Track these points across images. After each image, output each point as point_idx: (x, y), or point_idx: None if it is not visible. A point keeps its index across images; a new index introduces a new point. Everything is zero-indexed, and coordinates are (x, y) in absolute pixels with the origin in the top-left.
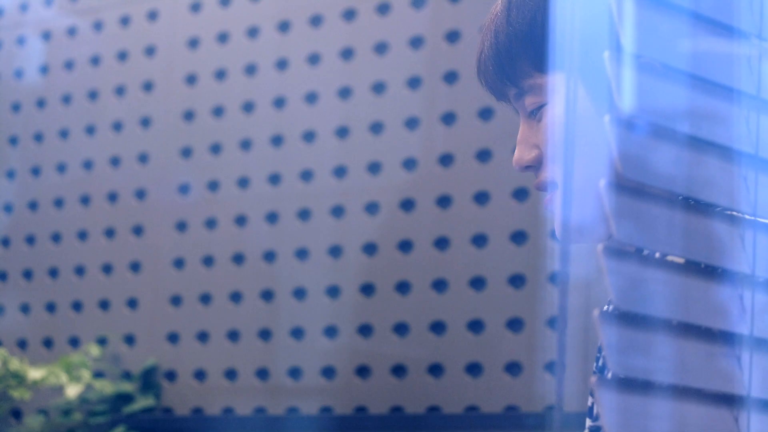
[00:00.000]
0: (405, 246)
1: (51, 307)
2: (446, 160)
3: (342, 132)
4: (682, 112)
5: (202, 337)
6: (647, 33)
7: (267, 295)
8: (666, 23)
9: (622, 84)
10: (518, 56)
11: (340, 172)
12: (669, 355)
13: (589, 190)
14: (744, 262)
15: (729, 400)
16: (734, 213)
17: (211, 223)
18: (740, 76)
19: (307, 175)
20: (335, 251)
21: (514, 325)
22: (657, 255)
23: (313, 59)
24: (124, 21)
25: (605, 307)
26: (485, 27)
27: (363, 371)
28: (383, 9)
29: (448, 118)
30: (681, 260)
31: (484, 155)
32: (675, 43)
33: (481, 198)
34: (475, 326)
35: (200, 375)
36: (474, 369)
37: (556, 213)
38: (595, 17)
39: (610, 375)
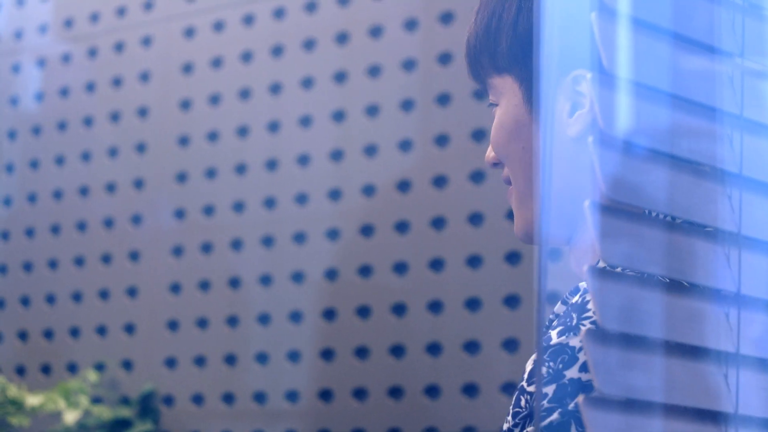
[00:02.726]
0: (400, 268)
1: (48, 334)
2: (440, 181)
3: (336, 155)
4: (665, 132)
5: (200, 361)
6: (629, 54)
7: (263, 319)
8: (648, 44)
9: (604, 105)
10: (480, 54)
11: (335, 195)
12: (655, 373)
13: (536, 195)
14: (729, 280)
15: (716, 418)
16: (719, 232)
17: (206, 248)
18: (723, 96)
19: (302, 199)
20: (331, 274)
21: (510, 345)
22: (642, 274)
23: (307, 83)
24: (119, 47)
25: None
26: (480, 4)
27: (360, 394)
28: (376, 32)
29: (442, 140)
30: (666, 279)
31: (477, 176)
32: (657, 63)
33: (475, 219)
34: (471, 347)
35: (198, 399)
36: (470, 390)
37: (515, 210)
38: (539, 21)
39: (596, 394)
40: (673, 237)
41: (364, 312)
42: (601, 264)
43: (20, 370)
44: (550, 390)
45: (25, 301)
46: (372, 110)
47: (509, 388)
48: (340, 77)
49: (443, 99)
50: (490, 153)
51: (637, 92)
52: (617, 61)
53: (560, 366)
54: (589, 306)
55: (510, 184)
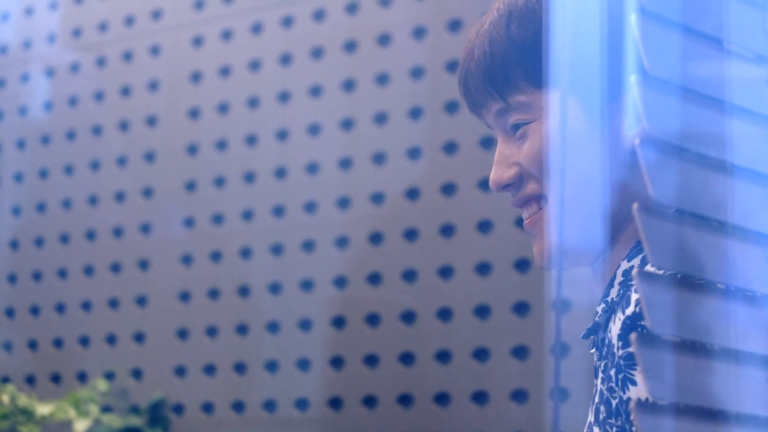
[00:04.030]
0: (409, 275)
1: (58, 343)
2: (449, 188)
3: (345, 163)
4: (705, 134)
5: (209, 369)
6: (669, 57)
7: (273, 327)
8: (688, 47)
9: (648, 107)
10: (513, 69)
11: (343, 203)
12: (706, 377)
13: (580, 210)
14: None
15: (760, 423)
16: (762, 235)
17: (216, 256)
18: (755, 98)
19: (310, 207)
20: (340, 282)
21: (519, 352)
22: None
23: (315, 91)
24: (127, 56)
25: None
26: (476, 36)
27: (369, 401)
28: (384, 40)
29: (450, 147)
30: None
31: (486, 184)
32: (699, 66)
33: (484, 226)
34: (480, 354)
35: (208, 407)
36: (480, 397)
37: (547, 232)
38: (590, 35)
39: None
40: (720, 241)
41: (373, 320)
42: (650, 268)
43: (30, 380)
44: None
45: (34, 311)
46: (380, 118)
47: (519, 395)
48: (349, 85)
49: (452, 107)
50: (502, 176)
51: (679, 95)
52: (659, 63)
53: None
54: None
55: (524, 206)
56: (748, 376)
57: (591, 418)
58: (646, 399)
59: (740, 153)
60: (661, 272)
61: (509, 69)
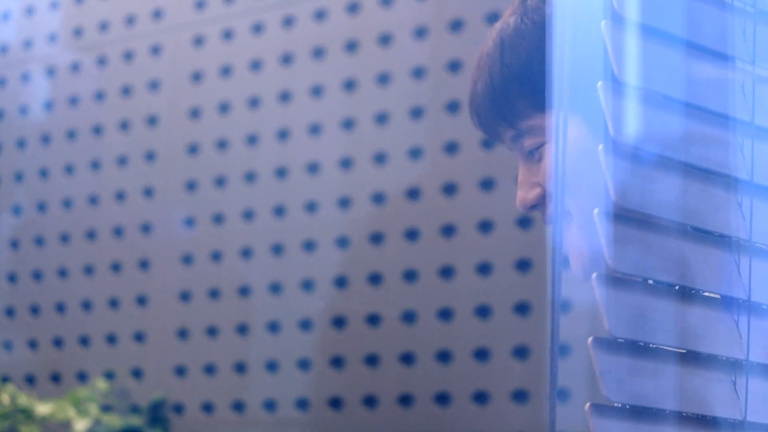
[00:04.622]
0: (410, 276)
1: (58, 342)
2: (450, 189)
3: (346, 163)
4: (676, 140)
5: (210, 369)
6: (640, 62)
7: (273, 327)
8: (659, 52)
9: (615, 113)
10: (515, 97)
11: (344, 203)
12: (664, 380)
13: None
14: (739, 287)
15: (725, 426)
16: (730, 239)
17: (216, 256)
18: (734, 103)
19: (311, 207)
20: (341, 282)
21: (521, 353)
22: (651, 282)
23: (316, 91)
24: (128, 56)
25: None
26: (476, 67)
27: (369, 401)
28: (385, 40)
29: (452, 147)
30: (676, 286)
31: (487, 184)
32: (668, 71)
33: (485, 226)
34: (481, 355)
35: (208, 407)
36: (481, 398)
37: (572, 245)
38: (591, 51)
39: (605, 402)
40: (683, 244)
41: (374, 320)
42: (610, 272)
43: (30, 379)
44: None
45: (34, 310)
46: (381, 118)
47: (520, 396)
48: (350, 85)
49: (453, 107)
50: (527, 197)
51: (648, 100)
52: (628, 69)
53: None
54: None
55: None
56: (707, 378)
57: None
58: (603, 402)
59: (712, 158)
60: (620, 275)
61: (511, 98)
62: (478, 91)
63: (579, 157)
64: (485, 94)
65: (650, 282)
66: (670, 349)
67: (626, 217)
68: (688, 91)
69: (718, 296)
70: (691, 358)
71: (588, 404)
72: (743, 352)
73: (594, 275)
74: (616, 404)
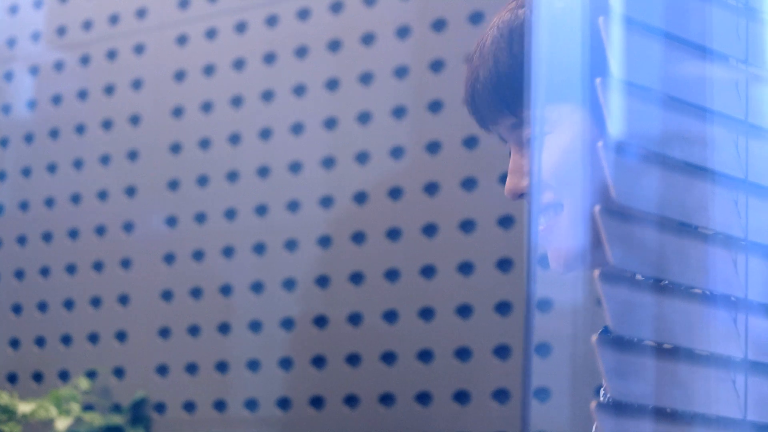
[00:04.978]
0: (392, 275)
1: (40, 341)
2: (432, 188)
3: (328, 162)
4: (672, 137)
5: (191, 368)
6: (637, 59)
7: (255, 326)
8: (655, 49)
9: (614, 110)
10: (521, 86)
11: (326, 202)
12: (665, 378)
13: (587, 216)
14: (737, 285)
15: (724, 424)
16: (727, 237)
17: (198, 255)
18: (728, 101)
19: (293, 206)
20: (323, 281)
21: (501, 352)
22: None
23: (299, 90)
24: (111, 55)
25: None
26: (480, 53)
27: (351, 400)
28: (368, 39)
29: (434, 147)
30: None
31: (469, 183)
32: (665, 69)
33: (467, 226)
34: (462, 354)
35: (190, 406)
36: (462, 397)
37: (565, 238)
38: (595, 46)
39: (608, 400)
40: (680, 242)
41: (355, 319)
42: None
43: (12, 378)
44: None
45: (16, 309)
46: (364, 117)
47: (501, 395)
48: (332, 84)
49: (435, 106)
50: (518, 184)
51: (645, 97)
52: (626, 66)
53: None
54: None
55: (541, 213)
56: (711, 377)
57: None
58: (608, 400)
59: (708, 156)
60: (624, 274)
61: (517, 86)
62: (480, 78)
63: (574, 152)
64: (488, 82)
65: (649, 280)
66: (670, 347)
67: (625, 214)
68: (683, 89)
69: (715, 294)
70: (691, 356)
71: (594, 402)
72: (741, 350)
73: (596, 273)
74: (621, 402)
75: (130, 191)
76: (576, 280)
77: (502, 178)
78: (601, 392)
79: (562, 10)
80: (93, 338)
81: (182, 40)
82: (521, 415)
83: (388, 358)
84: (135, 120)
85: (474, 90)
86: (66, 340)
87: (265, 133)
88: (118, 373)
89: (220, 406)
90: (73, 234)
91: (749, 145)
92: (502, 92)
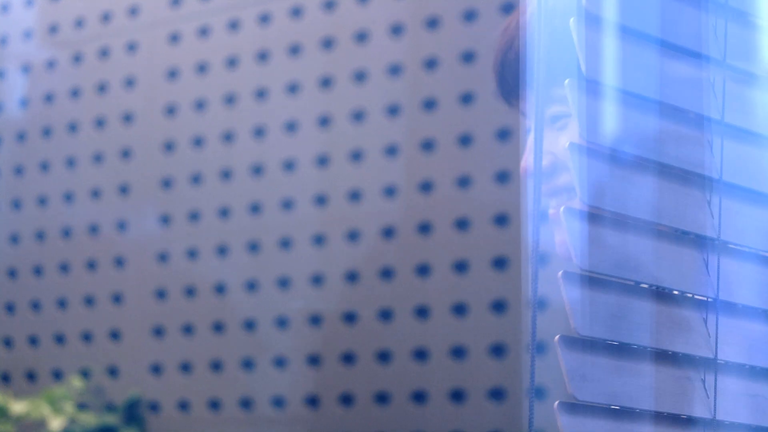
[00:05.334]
0: (387, 273)
1: (33, 341)
2: (426, 186)
3: (322, 160)
4: (646, 138)
5: (185, 368)
6: (611, 60)
7: (249, 325)
8: (630, 49)
9: (584, 112)
10: (554, 64)
11: (320, 200)
12: (632, 378)
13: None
14: (708, 285)
15: (693, 424)
16: (699, 237)
17: (192, 254)
18: (705, 102)
19: (287, 204)
20: (317, 280)
21: (497, 351)
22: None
23: (293, 88)
24: (104, 53)
25: None
26: (512, 30)
27: (346, 400)
28: (361, 37)
29: (428, 145)
30: (645, 285)
31: (464, 181)
32: (639, 69)
33: (462, 224)
34: (458, 353)
35: (184, 406)
36: (457, 396)
37: (568, 223)
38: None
39: (571, 400)
40: (651, 243)
41: (350, 318)
42: (578, 270)
43: (5, 377)
44: None
45: (9, 308)
46: (358, 115)
47: (496, 394)
48: (326, 83)
49: (429, 104)
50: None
51: (617, 98)
52: (598, 67)
53: None
54: None
55: (554, 195)
56: (679, 377)
57: None
58: (570, 400)
59: (681, 156)
60: (588, 274)
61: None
62: (513, 48)
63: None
64: (521, 53)
65: (619, 280)
66: (638, 347)
67: (595, 215)
68: (658, 89)
69: (687, 295)
70: (659, 356)
71: (557, 402)
72: (712, 351)
73: (560, 273)
74: (584, 402)
75: (123, 190)
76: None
77: (498, 176)
78: None
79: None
80: (86, 337)
81: (175, 38)
82: (528, 415)
83: (384, 357)
84: (128, 118)
85: (505, 59)
86: (59, 339)
87: (259, 132)
88: (112, 372)
89: (214, 405)
90: (66, 233)
91: (725, 146)
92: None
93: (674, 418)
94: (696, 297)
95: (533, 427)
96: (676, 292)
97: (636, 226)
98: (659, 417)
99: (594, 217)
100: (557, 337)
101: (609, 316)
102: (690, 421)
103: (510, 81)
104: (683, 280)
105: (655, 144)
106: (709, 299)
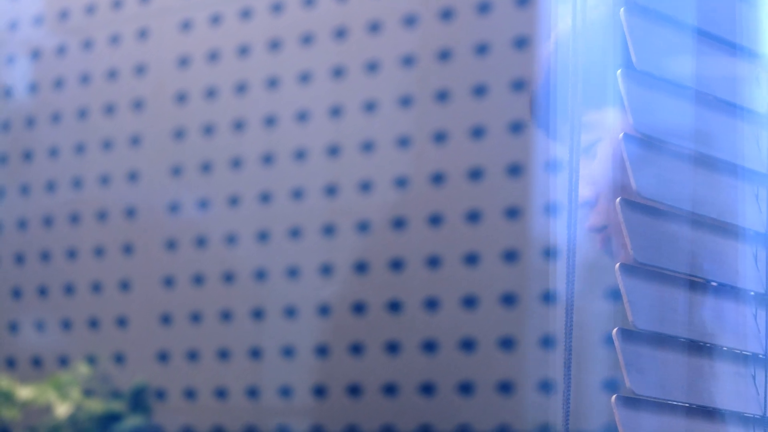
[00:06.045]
0: (397, 265)
1: (40, 326)
2: (438, 178)
3: (333, 151)
4: (693, 130)
5: (192, 356)
6: (661, 52)
7: (257, 314)
8: (677, 41)
9: (634, 102)
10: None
11: (331, 191)
12: (684, 373)
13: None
14: (757, 280)
15: (743, 420)
16: (747, 232)
17: (201, 242)
18: (751, 95)
19: (297, 194)
20: (326, 270)
21: (507, 344)
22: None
23: (304, 78)
24: (114, 40)
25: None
26: (540, 63)
27: (354, 390)
28: (374, 28)
29: (440, 137)
30: (697, 279)
31: (476, 174)
32: (686, 60)
33: (474, 216)
34: (467, 345)
35: (190, 394)
36: (466, 388)
37: (624, 215)
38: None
39: (628, 393)
40: (702, 236)
41: (359, 308)
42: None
43: (10, 362)
44: None
45: (16, 293)
46: (370, 106)
47: (505, 387)
48: (338, 72)
49: (442, 96)
50: (584, 192)
51: (666, 89)
52: (648, 57)
53: None
54: None
55: (598, 231)
56: (730, 373)
57: None
58: (627, 394)
59: (727, 148)
60: (645, 267)
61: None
62: (538, 87)
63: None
64: (543, 90)
65: (673, 274)
66: (690, 341)
67: (648, 207)
68: (705, 82)
69: (736, 289)
70: (711, 351)
71: (614, 396)
72: (762, 346)
73: (617, 266)
74: (640, 396)
75: (133, 177)
76: (582, 273)
77: (510, 169)
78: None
79: (594, 19)
80: (93, 324)
81: (186, 25)
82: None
83: (392, 348)
84: (138, 105)
85: (534, 99)
86: (66, 325)
87: (270, 121)
88: (119, 359)
89: (221, 393)
90: (74, 219)
91: None
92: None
93: (725, 414)
94: (745, 291)
95: (568, 425)
96: (725, 286)
97: (688, 218)
98: (711, 412)
99: (648, 209)
100: (615, 329)
101: (664, 309)
102: (740, 417)
103: (545, 114)
104: (732, 274)
105: (702, 136)
106: (759, 294)
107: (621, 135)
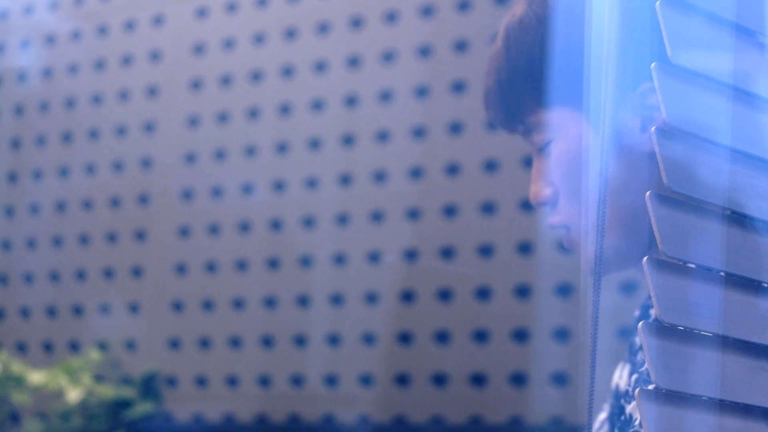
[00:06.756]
0: (410, 255)
1: (51, 311)
2: (453, 169)
3: (348, 140)
4: (726, 124)
5: (204, 343)
6: (693, 44)
7: (269, 302)
8: (711, 35)
9: (668, 96)
10: (520, 92)
11: (345, 180)
12: (712, 368)
13: (616, 218)
14: None
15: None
16: None
17: (214, 230)
18: None
19: (311, 183)
20: (339, 259)
21: (520, 336)
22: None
23: (320, 67)
24: (129, 25)
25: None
26: (488, 61)
27: (366, 380)
28: (391, 17)
29: (455, 128)
30: (725, 273)
31: (491, 165)
32: (722, 55)
33: (488, 208)
34: (480, 337)
35: (201, 381)
36: (478, 380)
37: (581, 248)
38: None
39: (653, 387)
40: (732, 231)
41: (371, 299)
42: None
43: (21, 347)
44: None
45: (28, 279)
46: (385, 96)
47: (517, 378)
48: (354, 62)
49: (458, 86)
50: (539, 192)
51: (700, 83)
52: (683, 51)
53: None
54: None
55: (559, 230)
56: (753, 368)
57: (604, 416)
58: (652, 387)
59: (761, 144)
60: (673, 262)
61: (517, 94)
62: (490, 87)
63: (580, 153)
64: (495, 90)
65: (701, 268)
66: (717, 336)
67: (677, 201)
68: (737, 76)
69: (764, 284)
70: (737, 346)
71: (638, 389)
72: None
73: (645, 260)
74: (666, 390)
75: (146, 163)
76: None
77: (525, 161)
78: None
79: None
80: (105, 309)
81: (202, 12)
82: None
83: (405, 338)
84: (152, 92)
85: (487, 98)
86: (77, 310)
87: (285, 109)
88: (130, 345)
89: (232, 381)
90: (87, 205)
91: None
92: (505, 101)
93: (752, 410)
94: None
95: (591, 419)
96: (755, 282)
97: (718, 213)
98: (736, 407)
99: (675, 202)
100: (641, 323)
101: (691, 303)
102: (766, 412)
103: (498, 118)
104: (763, 269)
105: (737, 131)
106: None
107: (653, 129)
